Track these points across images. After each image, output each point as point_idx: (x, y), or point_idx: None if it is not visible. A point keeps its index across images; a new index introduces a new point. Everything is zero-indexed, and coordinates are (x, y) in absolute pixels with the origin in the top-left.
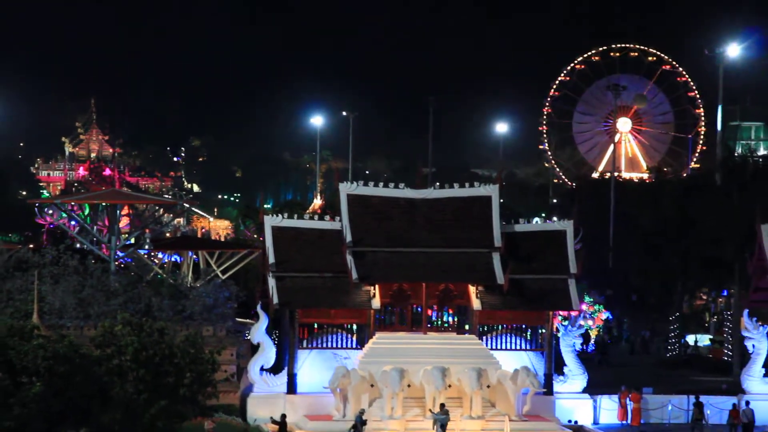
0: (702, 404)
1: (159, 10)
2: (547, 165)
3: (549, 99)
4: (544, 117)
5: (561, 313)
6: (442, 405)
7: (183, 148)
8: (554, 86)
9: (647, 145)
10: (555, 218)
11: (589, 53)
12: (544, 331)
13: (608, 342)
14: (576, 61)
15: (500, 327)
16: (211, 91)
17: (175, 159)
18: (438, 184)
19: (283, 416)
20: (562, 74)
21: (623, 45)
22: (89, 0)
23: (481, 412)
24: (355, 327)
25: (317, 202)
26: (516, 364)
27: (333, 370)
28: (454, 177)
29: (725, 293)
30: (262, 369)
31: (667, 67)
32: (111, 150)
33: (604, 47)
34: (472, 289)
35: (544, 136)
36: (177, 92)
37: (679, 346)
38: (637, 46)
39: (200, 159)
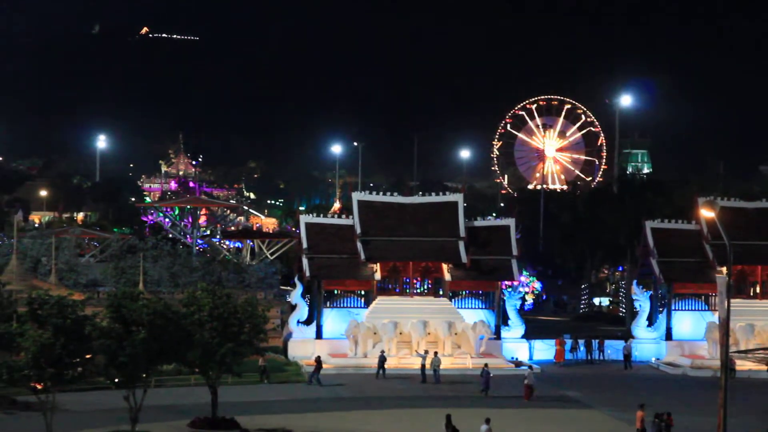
0: (591, 342)
1: (231, 77)
2: (497, 180)
3: (497, 135)
4: (495, 149)
5: (506, 282)
6: (426, 350)
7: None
8: (499, 130)
9: (566, 166)
10: (502, 217)
11: (526, 101)
12: (495, 295)
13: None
14: (514, 109)
15: (464, 292)
16: (263, 129)
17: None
18: (421, 193)
19: (318, 357)
20: (506, 118)
21: (550, 96)
22: (183, 64)
23: (450, 352)
24: (363, 292)
25: (336, 205)
26: (475, 318)
27: (348, 322)
28: (431, 188)
29: (620, 269)
30: (298, 322)
31: (579, 110)
32: (193, 169)
33: (537, 96)
34: (444, 266)
35: (495, 160)
36: (240, 129)
37: (588, 306)
38: (559, 97)
39: (255, 176)
